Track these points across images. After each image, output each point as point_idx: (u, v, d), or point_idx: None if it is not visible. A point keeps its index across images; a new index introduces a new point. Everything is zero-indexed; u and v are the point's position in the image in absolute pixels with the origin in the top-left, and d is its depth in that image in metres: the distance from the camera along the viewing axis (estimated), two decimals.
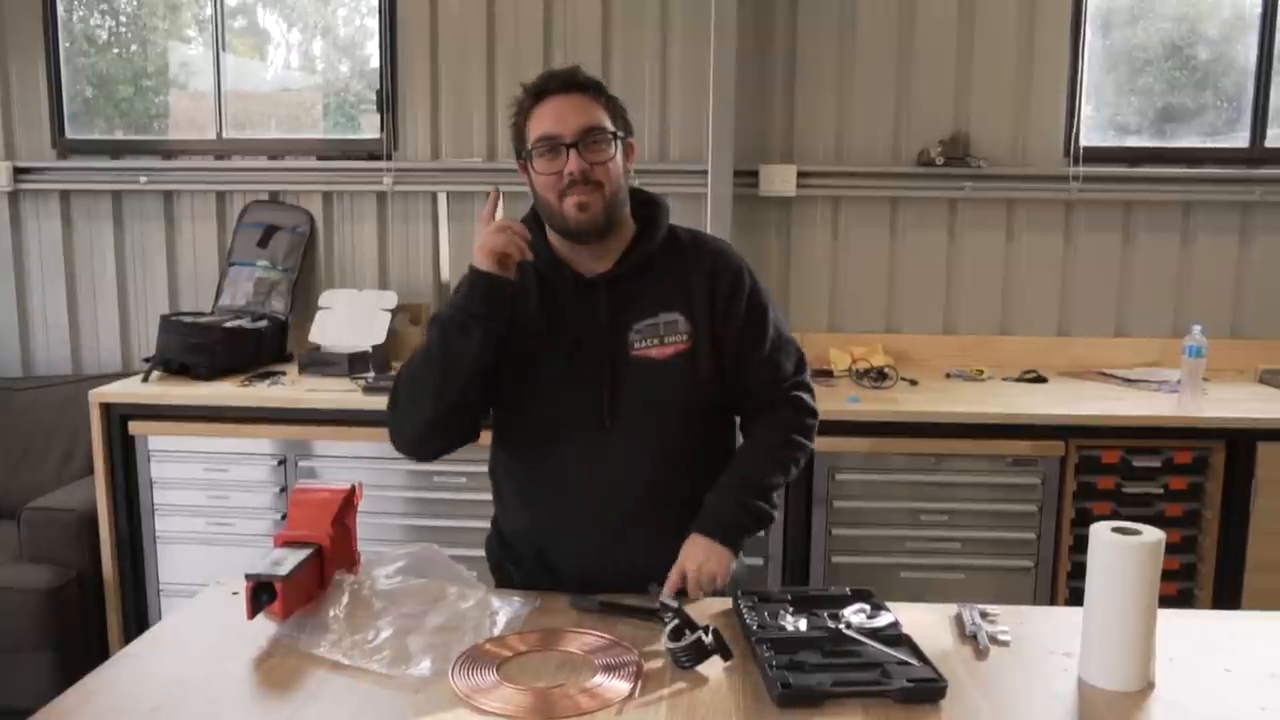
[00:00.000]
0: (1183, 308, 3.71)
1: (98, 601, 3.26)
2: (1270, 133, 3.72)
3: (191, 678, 1.48)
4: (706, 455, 1.84)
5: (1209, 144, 3.79)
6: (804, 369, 1.89)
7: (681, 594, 1.70)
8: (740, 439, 1.93)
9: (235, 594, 1.73)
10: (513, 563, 1.91)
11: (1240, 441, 3.00)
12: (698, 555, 1.71)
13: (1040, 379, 3.46)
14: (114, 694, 1.44)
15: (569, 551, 1.82)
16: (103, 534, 3.23)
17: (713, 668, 1.48)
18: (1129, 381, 3.43)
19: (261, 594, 1.60)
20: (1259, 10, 3.68)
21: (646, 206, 1.84)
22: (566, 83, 1.72)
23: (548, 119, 1.69)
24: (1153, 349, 3.69)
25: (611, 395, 1.74)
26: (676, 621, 1.50)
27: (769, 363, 1.83)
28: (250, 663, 1.53)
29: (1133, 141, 3.81)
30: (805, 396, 1.86)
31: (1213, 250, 3.71)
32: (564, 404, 1.76)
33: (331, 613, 1.62)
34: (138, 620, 3.26)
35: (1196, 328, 3.19)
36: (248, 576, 1.60)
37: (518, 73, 3.68)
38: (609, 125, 1.73)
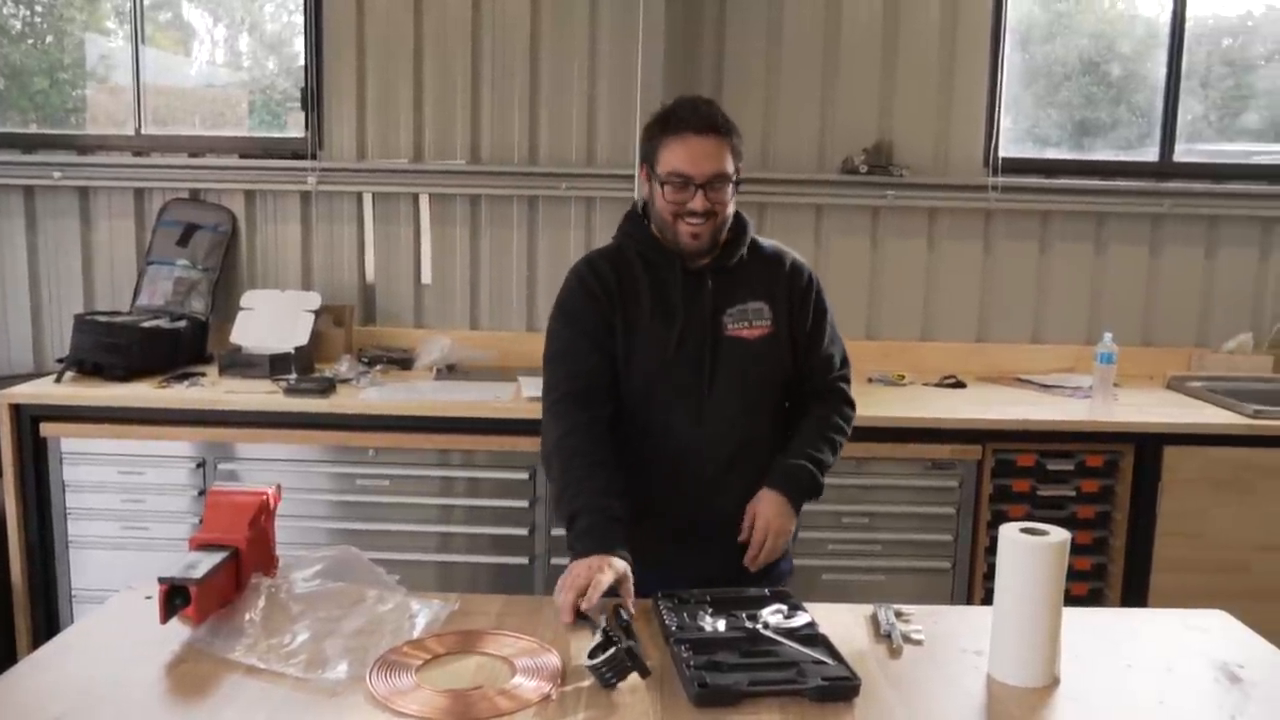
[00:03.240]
0: (1096, 316, 3.83)
1: (5, 609, 3.16)
2: (1178, 148, 3.86)
3: (99, 684, 1.45)
4: (779, 423, 2.09)
5: (1122, 157, 3.92)
6: (848, 366, 2.16)
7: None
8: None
9: (148, 598, 1.70)
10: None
11: (1148, 445, 3.10)
12: (768, 511, 1.94)
13: (959, 384, 3.54)
14: (16, 702, 1.40)
15: (672, 500, 1.98)
16: (11, 539, 3.13)
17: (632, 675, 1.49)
18: (1044, 387, 3.52)
19: (175, 598, 1.57)
20: (1168, 29, 3.81)
21: (734, 217, 2.03)
22: (707, 125, 1.90)
23: (682, 158, 1.89)
24: (1068, 355, 3.79)
25: (712, 369, 1.97)
26: (599, 639, 1.50)
27: (825, 355, 2.09)
28: (162, 668, 1.50)
29: (1050, 154, 3.92)
30: (848, 389, 2.14)
31: (1125, 260, 3.83)
32: (676, 373, 1.97)
33: (247, 616, 1.60)
34: (48, 629, 3.16)
35: (1108, 335, 3.29)
36: (161, 580, 1.57)
37: (446, 72, 3.70)
38: (731, 168, 1.92)
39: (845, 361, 2.15)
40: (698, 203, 1.89)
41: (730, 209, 1.96)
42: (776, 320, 2.03)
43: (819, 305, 2.09)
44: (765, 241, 2.11)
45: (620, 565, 1.72)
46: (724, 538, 1.96)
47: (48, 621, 3.18)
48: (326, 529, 3.07)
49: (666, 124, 1.93)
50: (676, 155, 1.90)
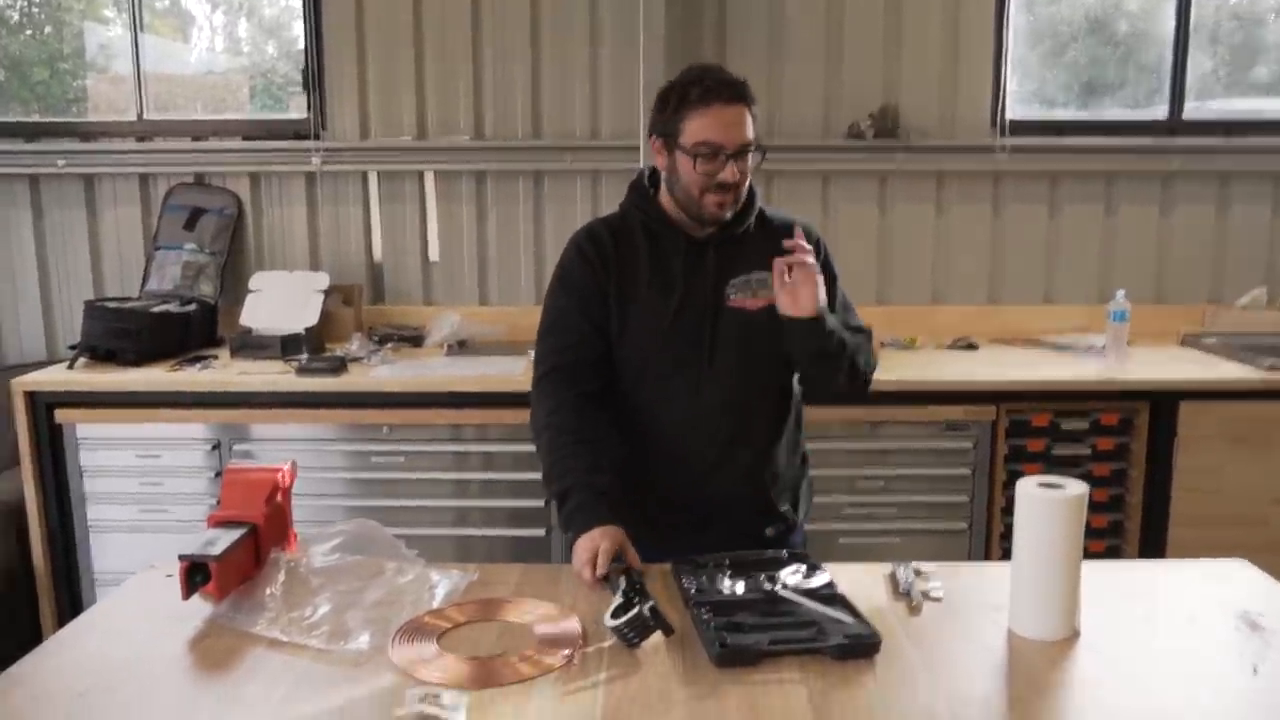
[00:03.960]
0: (1107, 275, 3.81)
1: (29, 595, 3.19)
2: (1188, 105, 3.82)
3: (122, 660, 1.46)
4: (786, 401, 2.05)
5: (1130, 116, 3.88)
6: (869, 331, 2.07)
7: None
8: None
9: (169, 577, 1.71)
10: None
11: (1163, 402, 3.09)
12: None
13: (972, 346, 3.53)
14: (40, 680, 1.41)
15: (672, 475, 1.96)
16: (32, 526, 3.16)
17: (654, 635, 1.49)
18: (1057, 347, 3.51)
19: (195, 575, 1.58)
20: None
21: None
22: (737, 95, 1.87)
23: (714, 127, 1.85)
24: (1079, 315, 3.77)
25: (711, 341, 1.94)
26: (620, 600, 1.50)
27: (841, 319, 2.00)
28: (185, 644, 1.51)
29: (1058, 114, 3.88)
30: (869, 344, 2.05)
31: (1135, 219, 3.80)
32: (673, 345, 1.94)
33: (268, 591, 1.61)
34: (73, 612, 3.18)
35: (1120, 293, 3.27)
36: (181, 557, 1.58)
37: (447, 48, 3.67)
38: (754, 138, 1.89)
39: (863, 327, 2.08)
40: (729, 173, 1.85)
41: (748, 180, 1.94)
42: None
43: (828, 272, 2.03)
44: (773, 210, 2.07)
45: (615, 532, 1.73)
46: (725, 517, 1.94)
47: (72, 605, 3.21)
48: (343, 506, 3.08)
49: (689, 94, 1.87)
50: (706, 125, 1.85)
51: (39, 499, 3.14)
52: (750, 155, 1.90)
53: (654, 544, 1.79)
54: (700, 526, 1.90)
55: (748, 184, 1.94)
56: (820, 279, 1.86)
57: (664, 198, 1.98)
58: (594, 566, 1.69)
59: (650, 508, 1.90)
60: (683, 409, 1.94)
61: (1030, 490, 1.51)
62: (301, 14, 3.74)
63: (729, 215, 1.92)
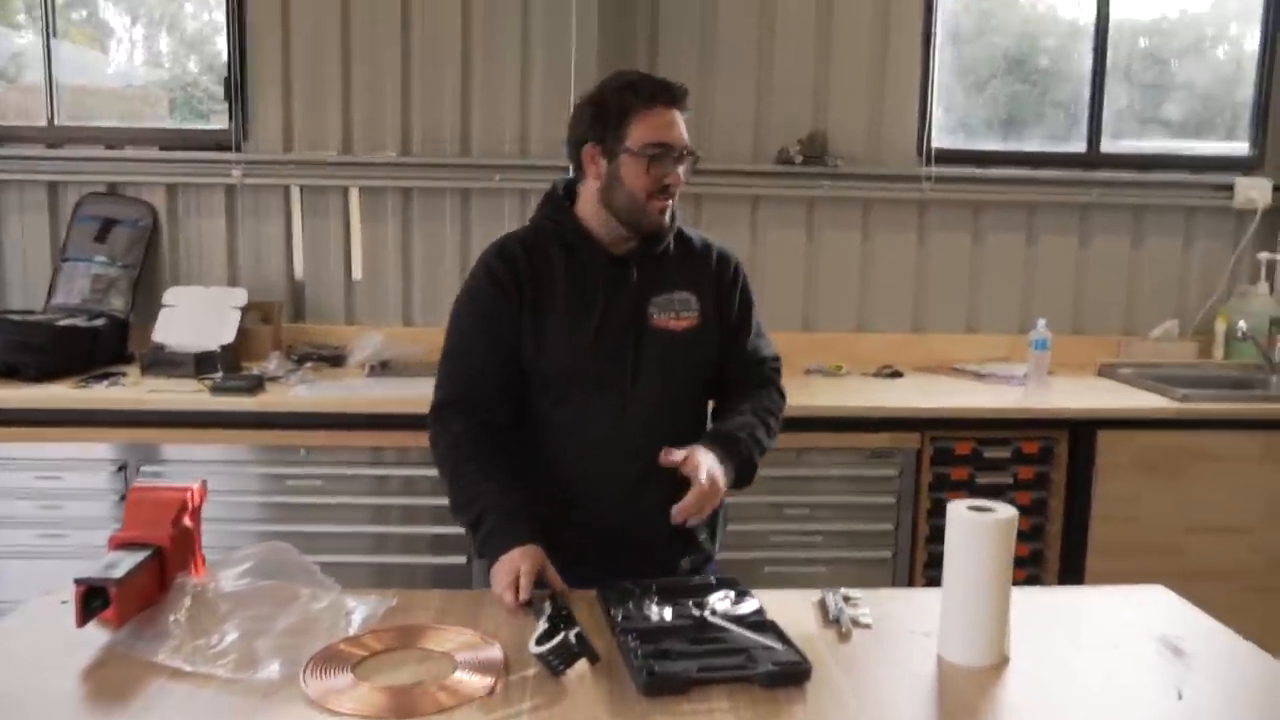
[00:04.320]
0: (1028, 305, 3.88)
1: None
2: (1103, 140, 3.93)
3: (12, 692, 1.36)
4: (700, 423, 2.02)
5: (1051, 149, 3.97)
6: (779, 361, 2.10)
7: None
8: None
9: (64, 603, 1.61)
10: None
11: (1082, 431, 3.14)
12: (709, 460, 1.80)
13: (896, 374, 3.55)
14: None
15: (593, 500, 1.89)
16: None
17: (579, 662, 1.45)
18: (980, 376, 3.55)
19: (93, 600, 1.49)
20: (1093, 24, 3.88)
21: None
22: (679, 97, 1.85)
23: (664, 129, 1.82)
24: (1001, 345, 3.83)
25: (635, 360, 1.88)
26: (545, 626, 1.45)
27: (753, 348, 2.03)
28: (79, 674, 1.42)
29: (981, 145, 3.96)
30: (776, 379, 2.07)
31: (1055, 250, 3.89)
32: (596, 363, 1.87)
33: (172, 617, 1.52)
34: None
35: (1041, 322, 3.32)
36: (77, 581, 1.49)
37: (375, 61, 3.61)
38: None
39: (776, 356, 2.09)
40: (679, 176, 1.84)
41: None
42: (704, 312, 1.94)
43: (745, 297, 2.03)
44: (691, 231, 2.03)
45: (535, 553, 1.69)
46: (648, 540, 1.87)
47: None
48: (256, 532, 2.97)
49: (633, 96, 1.82)
50: (656, 127, 1.81)
51: None
52: (688, 161, 1.88)
53: (562, 571, 1.73)
54: (613, 554, 1.82)
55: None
56: (718, 475, 1.79)
57: (583, 210, 1.91)
58: (516, 590, 1.63)
59: (562, 532, 1.83)
60: (604, 428, 1.88)
61: (961, 513, 1.50)
62: (225, 20, 3.63)
63: (668, 221, 1.89)
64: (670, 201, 1.86)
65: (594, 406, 1.88)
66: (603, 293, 1.88)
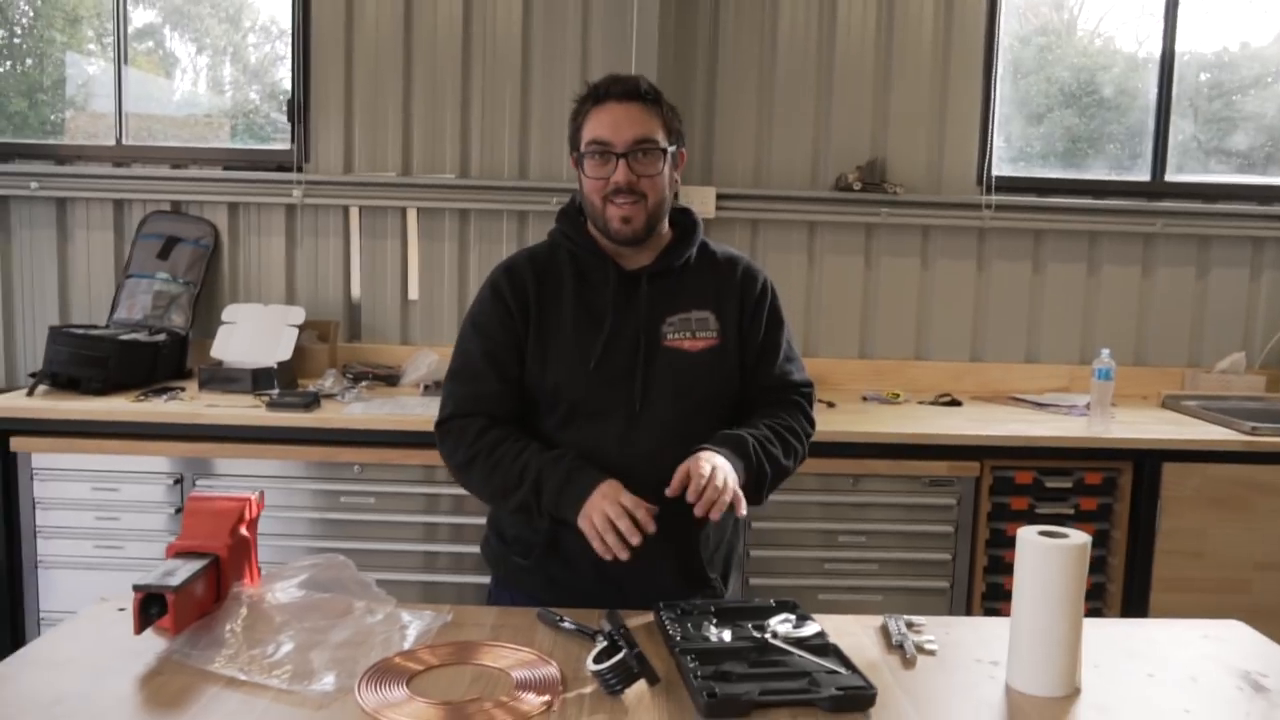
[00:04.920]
0: (1089, 335, 3.80)
1: None
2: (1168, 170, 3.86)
3: (69, 697, 1.36)
4: None
5: (1114, 177, 3.91)
6: (811, 387, 1.95)
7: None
8: None
9: (121, 610, 1.62)
10: (520, 554, 1.82)
11: (1146, 462, 3.06)
12: (704, 457, 1.66)
13: (955, 403, 3.49)
14: None
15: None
16: None
17: (638, 683, 1.42)
18: (1039, 405, 3.48)
19: (151, 607, 1.49)
20: (1158, 52, 3.82)
21: (682, 214, 1.91)
22: (628, 92, 1.76)
23: (604, 125, 1.74)
24: (1061, 375, 3.76)
25: (644, 380, 1.77)
26: (604, 644, 1.42)
27: (780, 370, 1.90)
28: (135, 680, 1.41)
29: (1043, 174, 3.90)
30: (806, 405, 1.93)
31: (1117, 280, 3.81)
32: (599, 386, 1.77)
33: (228, 627, 1.52)
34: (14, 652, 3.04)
35: (1105, 352, 3.25)
36: (136, 588, 1.49)
37: (435, 85, 3.64)
38: (661, 139, 1.77)
39: (807, 382, 1.94)
40: (620, 174, 1.72)
41: (666, 190, 1.78)
42: (724, 332, 1.83)
43: (774, 317, 1.90)
44: (718, 246, 1.92)
45: (615, 485, 1.64)
46: (646, 582, 1.72)
47: (13, 645, 3.06)
48: (308, 548, 2.97)
49: (588, 98, 1.78)
50: (598, 124, 1.74)
51: None
52: (660, 160, 1.76)
53: (570, 603, 1.67)
54: (613, 595, 1.69)
55: (665, 195, 1.79)
56: (732, 478, 1.66)
57: (592, 225, 1.85)
58: (633, 524, 1.56)
59: (557, 568, 1.76)
60: (610, 458, 1.73)
61: (1032, 539, 1.45)
62: (290, 44, 3.69)
63: (639, 230, 1.76)
64: (631, 208, 1.74)
65: (598, 434, 1.77)
66: (611, 311, 1.79)
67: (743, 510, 1.66)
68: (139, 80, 3.87)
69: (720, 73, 3.69)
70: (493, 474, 1.75)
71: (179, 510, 3.01)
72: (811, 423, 1.92)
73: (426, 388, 3.40)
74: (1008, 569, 3.07)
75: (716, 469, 1.64)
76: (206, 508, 1.68)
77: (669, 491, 1.63)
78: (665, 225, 1.85)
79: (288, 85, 3.74)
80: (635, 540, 1.55)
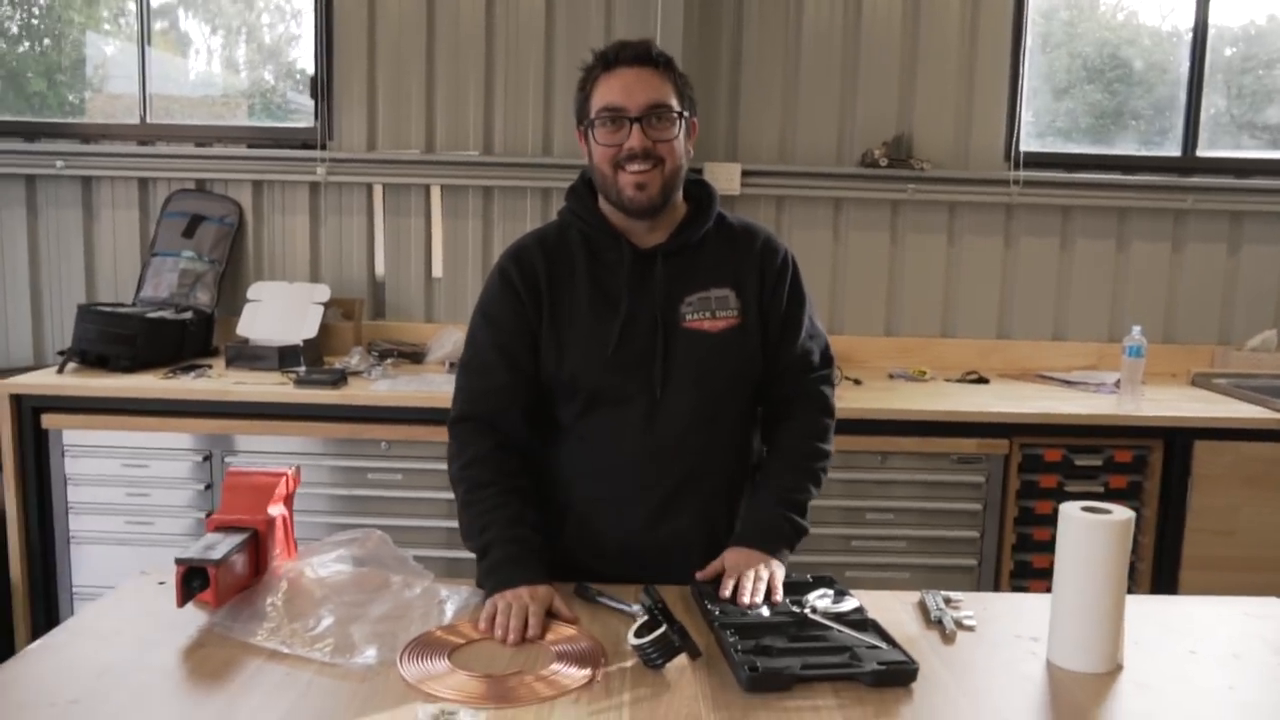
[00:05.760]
0: (1118, 313, 3.77)
1: (4, 607, 3.07)
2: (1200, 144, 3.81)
3: (115, 668, 1.37)
4: (747, 430, 1.86)
5: (1144, 152, 3.86)
6: (830, 364, 1.90)
7: (729, 601, 1.58)
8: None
9: (162, 584, 1.63)
10: (548, 537, 1.78)
11: (1178, 440, 3.03)
12: (739, 557, 1.67)
13: (982, 380, 3.47)
14: (28, 686, 1.32)
15: (615, 520, 1.76)
16: (10, 535, 3.05)
17: (678, 657, 1.42)
18: (1068, 383, 3.46)
19: (193, 580, 1.50)
20: (1184, 26, 3.77)
21: (698, 186, 1.84)
22: (639, 56, 1.70)
23: (615, 90, 1.68)
24: (1089, 352, 3.73)
25: (664, 365, 1.72)
26: (644, 618, 1.42)
27: (802, 350, 1.84)
28: (179, 652, 1.42)
29: (1071, 149, 3.86)
30: (827, 392, 1.88)
31: (1147, 256, 3.77)
32: (617, 373, 1.72)
33: (269, 600, 1.52)
34: (48, 627, 3.05)
35: (1136, 329, 3.23)
36: (178, 561, 1.50)
37: (459, 62, 3.63)
38: (675, 103, 1.70)
39: (827, 359, 1.88)
40: (635, 139, 1.65)
41: (681, 157, 1.71)
42: (745, 310, 1.76)
43: (795, 291, 1.83)
44: (735, 218, 1.85)
45: (543, 591, 1.56)
46: (677, 565, 1.70)
47: (47, 619, 3.09)
48: (336, 524, 2.97)
49: (596, 65, 1.71)
50: (608, 90, 1.67)
51: (20, 507, 3.03)
52: (675, 126, 1.69)
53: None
54: (648, 577, 1.64)
55: (680, 163, 1.72)
56: (778, 572, 1.65)
57: (604, 202, 1.77)
58: (522, 629, 1.48)
59: (580, 556, 1.74)
60: (632, 445, 1.72)
61: (1075, 514, 1.44)
62: (313, 21, 3.68)
63: (655, 198, 1.69)
64: (646, 175, 1.67)
65: (619, 420, 1.73)
66: (627, 293, 1.73)
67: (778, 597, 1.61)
68: (156, 60, 3.86)
69: (746, 48, 3.66)
70: (463, 510, 1.73)
71: (208, 486, 3.03)
72: (830, 413, 1.88)
73: (451, 364, 3.40)
74: (1036, 547, 3.06)
75: (768, 577, 1.62)
76: (245, 482, 1.68)
77: (701, 576, 1.66)
78: (680, 198, 1.79)
79: (303, 65, 3.73)
80: (510, 640, 1.46)
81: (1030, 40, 3.71)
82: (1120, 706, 1.36)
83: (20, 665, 1.38)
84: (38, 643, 1.45)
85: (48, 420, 3.03)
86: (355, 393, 3.03)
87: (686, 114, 1.73)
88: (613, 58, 1.70)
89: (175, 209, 3.68)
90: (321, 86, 3.67)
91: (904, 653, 1.42)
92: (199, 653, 1.42)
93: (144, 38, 3.75)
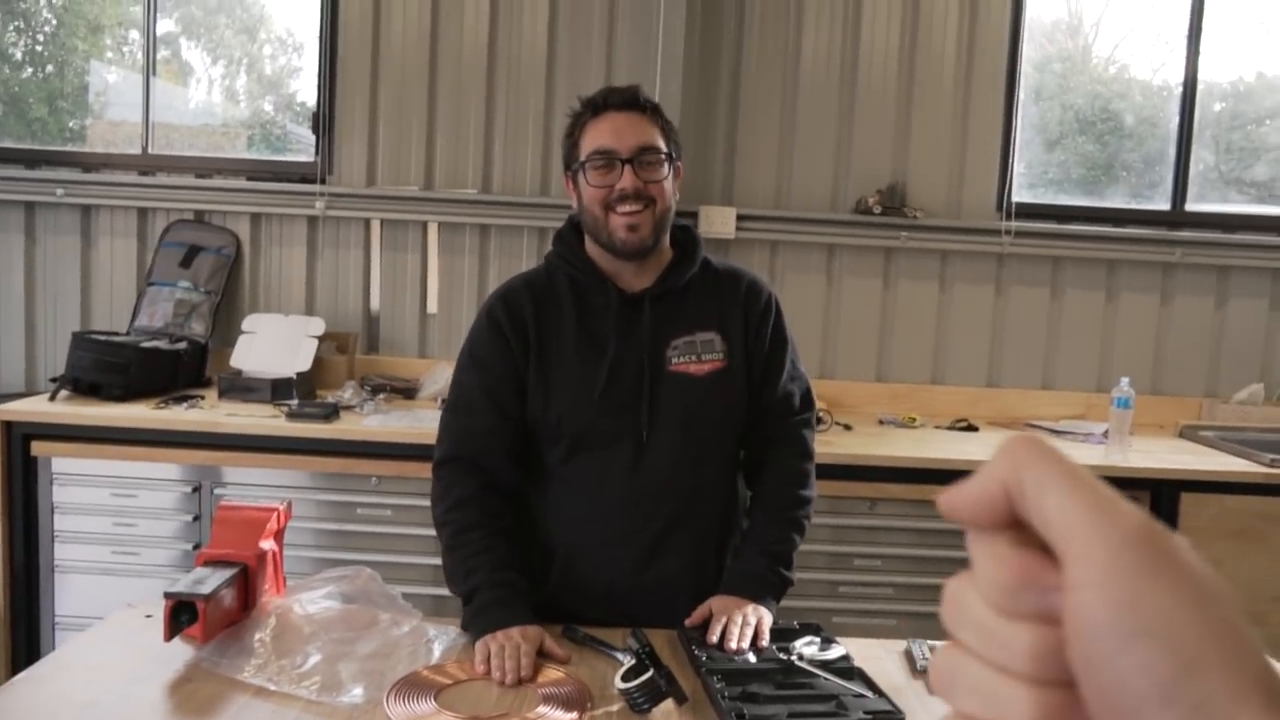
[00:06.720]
0: (1106, 363, 3.80)
1: None
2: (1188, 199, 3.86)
3: (100, 702, 1.36)
4: (733, 473, 1.88)
5: (1134, 205, 3.91)
6: (810, 406, 1.92)
7: (716, 647, 1.60)
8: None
9: (149, 617, 1.63)
10: (534, 580, 1.78)
11: (1164, 492, 3.05)
12: (726, 603, 1.70)
13: (972, 428, 3.49)
14: (13, 719, 1.31)
15: (602, 563, 1.77)
16: None
17: (665, 702, 1.42)
18: (1056, 433, 3.48)
19: (181, 614, 1.50)
20: (1175, 81, 3.84)
21: (683, 232, 1.87)
22: (628, 101, 1.74)
23: (605, 134, 1.71)
24: (1078, 402, 3.76)
25: (650, 408, 1.74)
26: (631, 662, 1.43)
27: (784, 393, 1.86)
28: (165, 687, 1.42)
29: (1062, 200, 3.91)
30: (807, 435, 1.91)
31: (1136, 308, 3.81)
32: (604, 416, 1.74)
33: (257, 636, 1.52)
34: (28, 656, 3.05)
35: (1124, 380, 3.25)
36: (167, 595, 1.50)
37: (460, 100, 3.67)
38: (664, 146, 1.74)
39: (808, 401, 1.90)
40: (627, 180, 1.67)
41: (670, 199, 1.74)
42: (731, 353, 1.78)
43: (778, 334, 1.85)
44: (720, 262, 1.88)
45: (533, 631, 1.57)
46: (665, 609, 1.72)
47: (28, 647, 3.07)
48: (324, 559, 2.97)
49: (585, 110, 1.75)
50: (599, 134, 1.71)
51: (5, 534, 3.02)
52: (664, 167, 1.73)
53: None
54: (633, 620, 1.66)
55: (669, 205, 1.75)
56: (765, 618, 1.68)
57: (591, 246, 1.79)
58: (518, 669, 1.48)
59: (573, 595, 1.75)
60: (618, 488, 1.73)
61: None
62: (317, 57, 3.72)
63: (646, 239, 1.71)
64: (638, 216, 1.69)
65: (605, 463, 1.74)
66: (614, 336, 1.74)
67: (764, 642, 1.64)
68: (158, 89, 3.89)
69: (743, 94, 3.71)
70: (448, 554, 1.74)
71: (196, 518, 3.02)
72: (810, 457, 1.90)
73: (443, 401, 3.40)
74: None
75: (756, 622, 1.64)
76: (236, 516, 1.69)
77: (689, 622, 1.68)
78: (667, 242, 1.81)
79: (303, 97, 3.77)
80: (507, 681, 1.47)
81: (1023, 92, 3.77)
82: None
83: (5, 699, 1.38)
84: (22, 675, 1.45)
85: (37, 447, 3.02)
86: (347, 427, 3.03)
87: (674, 157, 1.77)
88: (601, 103, 1.74)
89: (173, 239, 3.70)
90: (323, 121, 3.70)
91: (890, 702, 1.42)
92: (185, 688, 1.42)
93: (150, 68, 3.79)
